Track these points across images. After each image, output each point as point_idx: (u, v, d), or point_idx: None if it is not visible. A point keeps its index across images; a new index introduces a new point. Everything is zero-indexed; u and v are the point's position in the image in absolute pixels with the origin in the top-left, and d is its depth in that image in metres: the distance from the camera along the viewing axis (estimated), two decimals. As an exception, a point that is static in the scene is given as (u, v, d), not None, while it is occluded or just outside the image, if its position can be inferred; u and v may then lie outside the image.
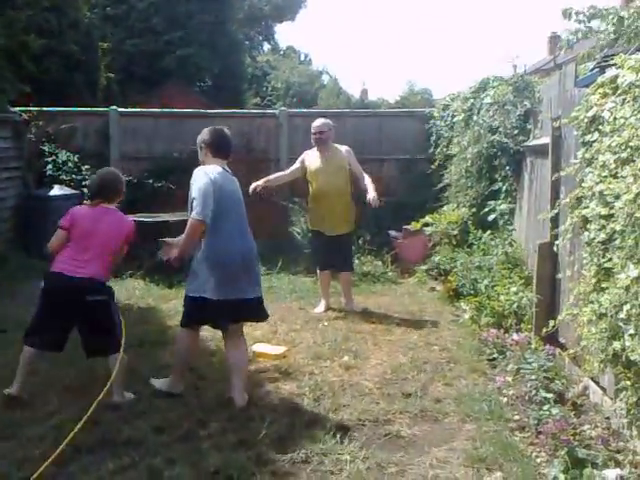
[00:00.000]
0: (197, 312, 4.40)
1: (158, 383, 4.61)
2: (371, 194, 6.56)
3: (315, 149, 6.69)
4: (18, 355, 4.59)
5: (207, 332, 5.99)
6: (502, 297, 5.77)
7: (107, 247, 4.44)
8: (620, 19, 4.95)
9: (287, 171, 6.99)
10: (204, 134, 4.56)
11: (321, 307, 6.81)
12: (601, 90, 3.82)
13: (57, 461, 3.51)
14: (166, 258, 4.57)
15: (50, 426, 4.00)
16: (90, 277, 4.31)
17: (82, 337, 4.42)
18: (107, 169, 5.04)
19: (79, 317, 4.35)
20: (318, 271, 7.01)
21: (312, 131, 6.63)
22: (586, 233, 3.81)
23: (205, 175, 4.32)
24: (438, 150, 9.26)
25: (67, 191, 8.45)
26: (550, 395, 4.16)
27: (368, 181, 6.67)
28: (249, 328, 6.13)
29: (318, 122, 6.67)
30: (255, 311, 4.52)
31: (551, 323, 4.21)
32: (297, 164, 6.83)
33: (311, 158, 6.72)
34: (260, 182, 6.62)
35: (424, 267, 8.25)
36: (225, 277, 4.28)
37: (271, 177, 6.85)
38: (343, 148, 6.72)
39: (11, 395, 4.28)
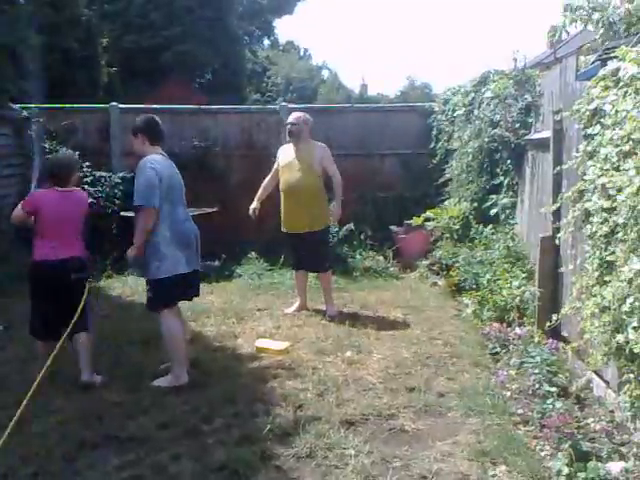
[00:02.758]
0: (173, 289, 4.62)
1: (161, 382, 4.61)
2: (335, 211, 6.49)
3: (290, 144, 6.51)
4: (21, 352, 4.63)
5: (210, 327, 6.03)
6: (504, 291, 5.77)
7: (79, 226, 4.76)
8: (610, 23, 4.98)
9: (269, 176, 6.71)
10: (139, 122, 4.85)
11: (293, 307, 6.65)
12: (602, 83, 3.82)
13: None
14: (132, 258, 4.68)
15: (54, 422, 4.03)
16: (79, 256, 4.67)
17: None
18: (58, 155, 5.16)
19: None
20: (293, 271, 6.85)
21: (285, 122, 6.54)
22: (588, 226, 3.82)
23: (149, 165, 4.59)
24: (439, 145, 9.24)
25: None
26: (553, 389, 4.17)
27: (337, 189, 6.44)
28: (252, 323, 6.18)
29: (294, 114, 6.51)
30: (199, 283, 4.96)
31: (554, 317, 4.21)
32: (275, 164, 6.66)
33: (283, 153, 6.57)
34: (254, 204, 6.59)
35: (426, 262, 8.24)
36: (190, 252, 4.69)
37: (260, 192, 6.66)
38: (319, 145, 6.49)
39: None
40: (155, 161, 4.62)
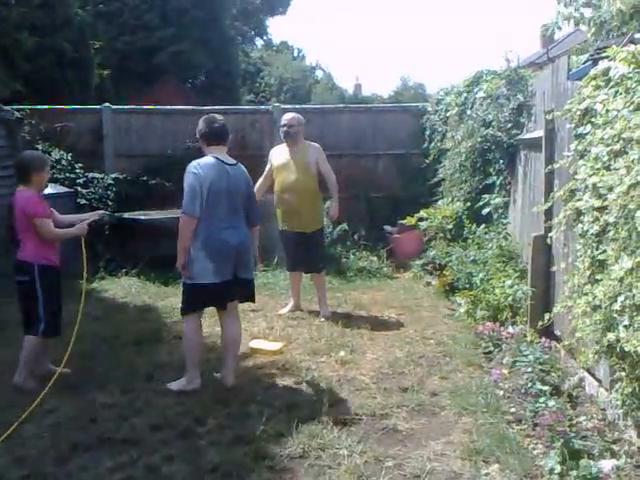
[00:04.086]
0: (199, 297, 4.56)
1: (174, 385, 4.59)
2: (333, 209, 6.46)
3: (283, 145, 6.49)
4: (15, 353, 4.61)
5: (204, 328, 6.01)
6: (497, 290, 5.78)
7: (21, 227, 4.68)
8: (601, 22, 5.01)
9: (262, 178, 6.56)
10: (199, 124, 4.72)
11: (287, 308, 6.65)
12: (593, 82, 3.83)
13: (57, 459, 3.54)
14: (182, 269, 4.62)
15: (46, 425, 4.01)
16: (18, 258, 4.67)
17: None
18: (22, 153, 5.15)
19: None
20: (287, 272, 6.85)
21: (281, 124, 6.47)
22: (580, 225, 3.83)
23: (193, 170, 4.49)
24: (432, 145, 9.26)
25: (61, 189, 8.40)
26: (546, 387, 4.18)
27: (334, 190, 6.44)
28: (246, 324, 6.15)
29: (288, 116, 6.47)
30: (249, 291, 4.81)
31: (546, 316, 4.22)
32: (268, 164, 6.60)
33: (277, 154, 6.53)
34: None
35: (419, 262, 8.25)
36: (222, 262, 4.49)
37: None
38: (313, 145, 6.47)
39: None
40: (200, 165, 4.49)
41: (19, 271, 4.67)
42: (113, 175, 9.06)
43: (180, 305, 4.71)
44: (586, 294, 3.62)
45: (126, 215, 8.22)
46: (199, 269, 4.47)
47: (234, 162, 4.70)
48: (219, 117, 4.76)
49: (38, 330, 4.62)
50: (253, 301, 4.96)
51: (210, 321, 6.25)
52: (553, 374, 4.41)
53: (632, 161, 3.17)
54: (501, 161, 7.12)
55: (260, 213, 4.96)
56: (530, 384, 4.25)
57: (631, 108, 3.34)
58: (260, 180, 6.67)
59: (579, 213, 3.86)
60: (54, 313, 4.68)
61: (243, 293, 4.77)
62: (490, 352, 5.14)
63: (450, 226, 8.03)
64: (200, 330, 4.72)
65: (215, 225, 4.48)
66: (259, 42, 37.50)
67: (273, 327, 6.05)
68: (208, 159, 4.57)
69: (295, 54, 40.28)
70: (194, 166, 4.50)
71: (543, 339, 4.90)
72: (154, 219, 8.05)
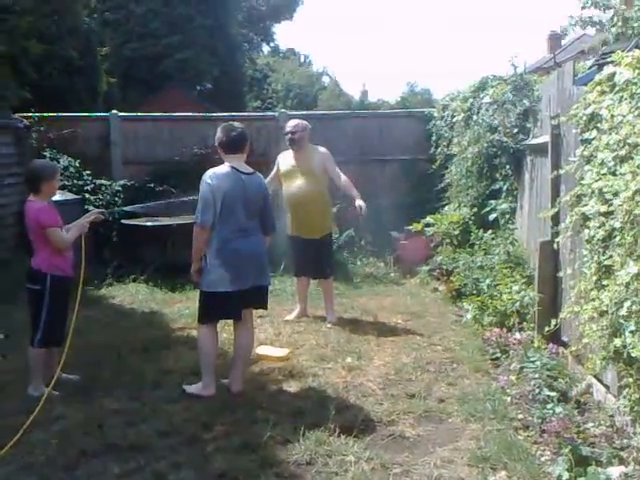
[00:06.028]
0: (215, 306, 4.55)
1: (190, 388, 4.60)
2: (358, 201, 6.26)
3: (290, 151, 6.47)
4: (22, 360, 4.63)
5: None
6: (504, 296, 5.77)
7: (34, 237, 4.70)
8: (625, 19, 5.00)
9: (267, 179, 6.17)
10: (217, 132, 4.71)
11: (294, 314, 6.63)
12: (599, 88, 3.84)
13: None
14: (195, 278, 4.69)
15: (54, 431, 4.02)
16: (32, 266, 4.68)
17: None
18: (32, 162, 5.18)
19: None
20: (294, 277, 6.87)
21: (285, 131, 6.47)
22: (586, 231, 3.82)
23: (207, 179, 4.50)
24: (439, 150, 9.24)
25: (69, 197, 8.43)
26: (554, 394, 4.16)
27: (349, 185, 6.33)
28: (253, 330, 6.16)
29: (292, 122, 6.47)
30: (263, 297, 4.79)
31: (553, 321, 4.21)
32: (274, 169, 6.60)
33: (284, 159, 6.53)
34: None
35: (426, 268, 8.24)
36: (238, 270, 4.48)
37: None
38: (320, 150, 6.45)
39: None
40: (215, 175, 4.49)
41: (32, 279, 4.67)
42: (121, 182, 9.08)
43: (192, 312, 4.70)
44: (593, 300, 3.61)
45: (133, 221, 8.24)
46: (215, 277, 4.47)
47: (251, 171, 4.67)
48: (237, 125, 4.74)
49: (34, 340, 4.63)
50: (265, 308, 4.96)
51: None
52: (560, 380, 4.39)
53: (637, 166, 3.18)
54: (507, 166, 7.11)
55: (275, 223, 4.94)
56: (537, 390, 4.23)
57: (636, 113, 3.35)
58: (265, 182, 6.68)
59: (585, 218, 3.86)
60: (55, 324, 4.64)
61: (258, 300, 4.76)
62: (497, 358, 5.13)
63: (457, 232, 8.02)
64: (216, 338, 4.71)
65: (229, 234, 4.48)
66: (265, 49, 37.67)
67: (280, 333, 6.05)
68: (223, 168, 4.56)
69: (302, 61, 40.40)
70: (209, 176, 4.50)
71: (550, 345, 4.88)
72: (161, 225, 8.07)
